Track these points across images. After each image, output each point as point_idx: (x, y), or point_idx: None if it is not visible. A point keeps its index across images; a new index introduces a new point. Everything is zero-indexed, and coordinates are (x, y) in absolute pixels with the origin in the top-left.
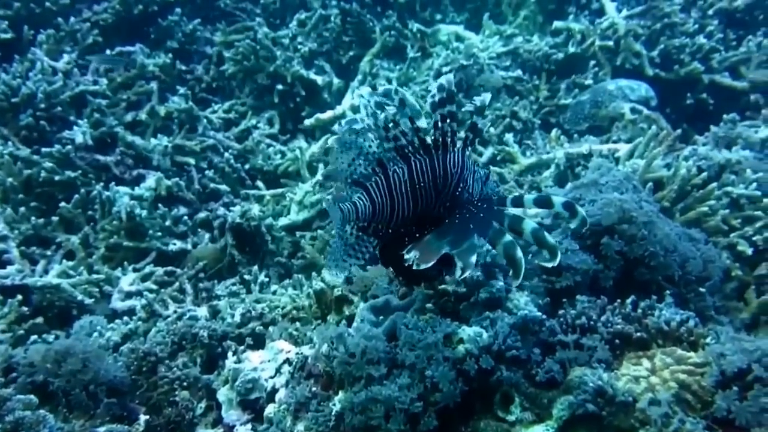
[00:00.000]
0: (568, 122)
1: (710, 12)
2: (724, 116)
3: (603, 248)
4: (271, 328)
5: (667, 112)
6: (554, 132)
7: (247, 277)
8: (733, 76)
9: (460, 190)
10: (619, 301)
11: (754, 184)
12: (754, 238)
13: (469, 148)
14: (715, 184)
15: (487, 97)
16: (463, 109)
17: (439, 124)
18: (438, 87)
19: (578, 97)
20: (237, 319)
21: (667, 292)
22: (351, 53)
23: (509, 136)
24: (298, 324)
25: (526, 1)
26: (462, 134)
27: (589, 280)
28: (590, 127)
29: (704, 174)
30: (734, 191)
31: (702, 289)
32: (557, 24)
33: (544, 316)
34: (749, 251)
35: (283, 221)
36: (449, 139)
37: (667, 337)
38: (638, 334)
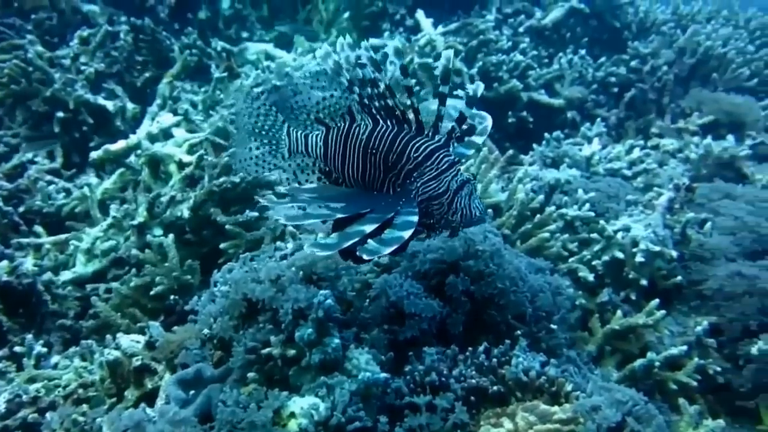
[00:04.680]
0: None
1: (521, 29)
2: (546, 134)
3: (448, 289)
4: (48, 416)
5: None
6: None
7: (18, 348)
8: (549, 93)
9: (411, 179)
10: (470, 349)
11: (587, 205)
12: (593, 263)
13: (454, 143)
14: (553, 208)
15: (480, 86)
16: (453, 96)
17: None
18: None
19: None
20: (2, 408)
21: (519, 332)
22: (147, 74)
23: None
24: (85, 407)
25: (338, 18)
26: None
27: (436, 327)
28: None
29: (540, 197)
30: (568, 213)
31: (553, 326)
32: (373, 41)
33: (389, 376)
34: (590, 277)
35: (66, 275)
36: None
37: (527, 388)
38: (495, 387)
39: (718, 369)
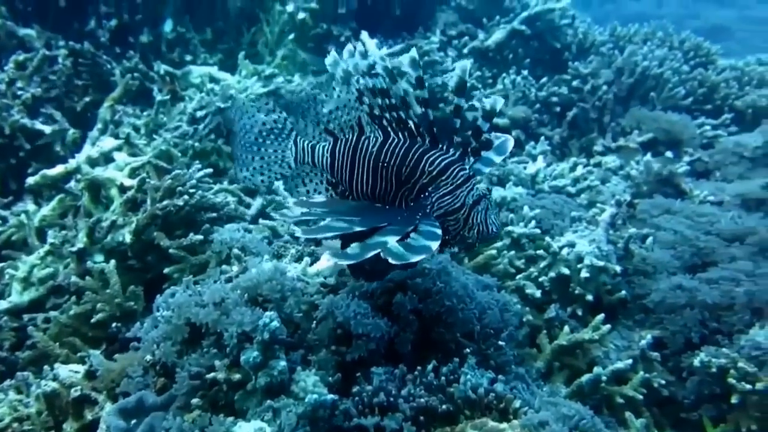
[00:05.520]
0: None
1: (465, 51)
2: None
3: (396, 307)
4: None
5: None
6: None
7: None
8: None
9: (426, 193)
10: (419, 368)
11: (533, 222)
12: (539, 279)
13: (470, 158)
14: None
15: (498, 101)
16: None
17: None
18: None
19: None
20: None
21: (467, 350)
22: (87, 99)
23: (279, 184)
24: None
25: (283, 40)
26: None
27: (384, 347)
28: None
29: None
30: (515, 230)
31: (501, 343)
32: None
33: (337, 397)
34: (537, 293)
35: (2, 305)
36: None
37: (475, 406)
38: (444, 406)
39: (663, 382)
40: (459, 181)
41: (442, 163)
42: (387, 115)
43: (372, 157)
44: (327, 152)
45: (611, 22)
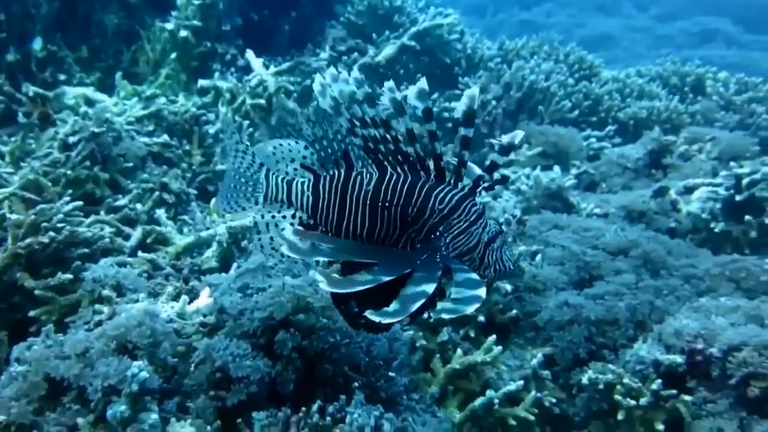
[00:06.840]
0: None
1: (355, 67)
2: None
3: (278, 346)
4: None
5: None
6: (214, 201)
7: None
8: (386, 129)
9: (437, 233)
10: (304, 409)
11: None
12: None
13: (482, 193)
14: None
15: (518, 134)
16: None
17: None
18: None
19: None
20: None
21: (356, 384)
22: None
23: (161, 213)
24: None
25: (166, 58)
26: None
27: (266, 389)
28: None
29: None
30: None
31: (392, 374)
32: (203, 83)
33: None
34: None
35: None
36: (453, 169)
37: None
38: None
39: (554, 400)
40: (472, 218)
41: (453, 200)
42: (383, 147)
43: (369, 196)
44: (308, 189)
45: (503, 32)
